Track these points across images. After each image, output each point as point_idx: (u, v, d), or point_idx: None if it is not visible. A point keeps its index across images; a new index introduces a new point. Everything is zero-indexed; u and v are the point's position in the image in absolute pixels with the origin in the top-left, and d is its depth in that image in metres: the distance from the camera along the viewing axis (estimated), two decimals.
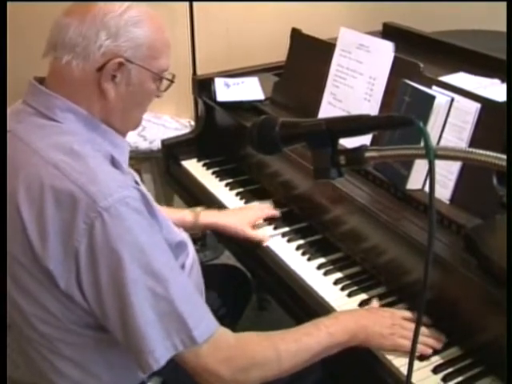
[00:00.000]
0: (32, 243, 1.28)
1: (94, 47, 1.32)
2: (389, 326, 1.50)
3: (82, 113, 1.37)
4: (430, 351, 1.47)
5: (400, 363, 1.45)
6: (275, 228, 1.96)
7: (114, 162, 1.37)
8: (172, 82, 1.46)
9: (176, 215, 1.91)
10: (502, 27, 2.18)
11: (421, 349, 1.46)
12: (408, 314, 1.55)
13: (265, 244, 1.90)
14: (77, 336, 1.38)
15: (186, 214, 1.94)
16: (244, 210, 2.04)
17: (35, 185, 1.28)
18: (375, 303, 1.62)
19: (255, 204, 2.09)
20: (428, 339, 1.48)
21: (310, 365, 1.45)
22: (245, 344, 1.39)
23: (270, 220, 2.00)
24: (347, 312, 1.57)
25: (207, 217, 1.96)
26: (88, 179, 1.26)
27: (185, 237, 1.62)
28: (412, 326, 1.48)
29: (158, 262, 1.28)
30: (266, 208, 2.04)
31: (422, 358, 1.46)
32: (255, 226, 1.96)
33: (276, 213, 2.02)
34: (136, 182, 1.49)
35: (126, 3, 1.36)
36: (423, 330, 1.49)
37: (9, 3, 1.73)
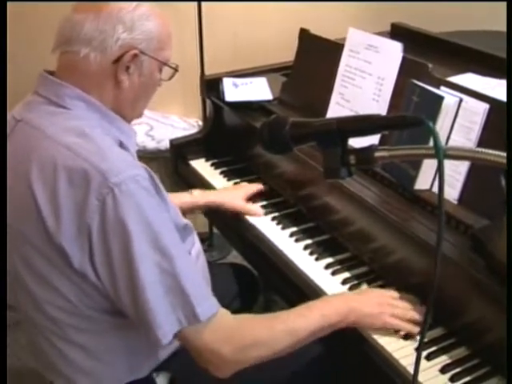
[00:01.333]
0: (46, 223, 1.31)
1: (111, 40, 1.39)
2: (377, 305, 1.55)
3: (92, 100, 1.42)
4: (417, 329, 1.51)
5: (407, 362, 1.45)
6: (283, 228, 1.97)
7: (122, 146, 1.43)
8: (176, 70, 1.54)
9: (174, 200, 1.94)
10: (502, 28, 2.18)
11: (408, 327, 1.52)
12: (396, 294, 1.61)
13: (258, 216, 2.03)
14: (93, 322, 1.41)
15: (184, 196, 2.03)
16: (235, 188, 2.19)
17: (48, 165, 1.32)
18: (365, 286, 1.69)
19: (244, 183, 2.22)
20: (416, 316, 1.54)
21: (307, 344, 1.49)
22: (244, 325, 1.43)
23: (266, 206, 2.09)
24: (338, 295, 1.64)
25: (204, 196, 2.08)
26: (100, 158, 1.30)
27: (190, 223, 1.65)
28: (401, 304, 1.57)
29: (165, 239, 1.32)
30: (254, 185, 2.16)
31: (408, 336, 1.51)
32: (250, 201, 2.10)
33: (263, 187, 2.16)
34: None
35: (135, 2, 1.43)
36: (410, 307, 1.56)
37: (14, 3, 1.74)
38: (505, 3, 2.08)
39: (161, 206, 1.37)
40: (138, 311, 1.32)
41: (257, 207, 2.07)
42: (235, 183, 2.25)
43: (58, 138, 1.34)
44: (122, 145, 1.43)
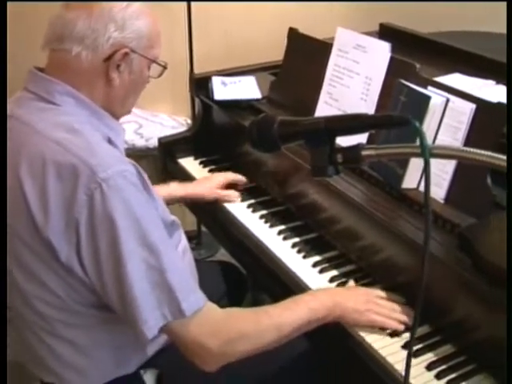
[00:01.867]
0: (34, 217, 1.33)
1: (103, 39, 1.40)
2: (364, 302, 1.57)
3: (82, 97, 1.43)
4: (402, 327, 1.53)
5: (394, 359, 1.46)
6: (271, 226, 1.97)
7: (111, 143, 1.45)
8: (165, 67, 1.56)
9: None
10: (502, 28, 2.20)
11: (393, 325, 1.54)
12: (382, 293, 1.62)
13: (235, 201, 2.10)
14: (81, 317, 1.42)
15: (160, 189, 2.00)
16: (210, 177, 2.21)
17: (37, 160, 1.33)
18: (351, 283, 1.70)
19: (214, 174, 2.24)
20: (401, 316, 1.55)
21: (294, 338, 1.50)
22: (232, 318, 1.45)
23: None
24: (324, 289, 1.64)
25: (179, 190, 2.09)
26: (89, 153, 1.32)
27: (177, 219, 1.66)
28: (386, 303, 1.58)
29: (153, 235, 1.33)
30: (232, 174, 2.19)
31: (394, 334, 1.53)
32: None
33: (241, 178, 2.18)
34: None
35: (125, 2, 1.44)
36: (395, 306, 1.57)
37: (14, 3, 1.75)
38: (502, 3, 2.10)
39: (149, 202, 1.39)
40: (124, 306, 1.33)
41: (231, 192, 2.12)
42: None
43: (47, 133, 1.36)
44: (110, 141, 1.44)
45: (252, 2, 3.27)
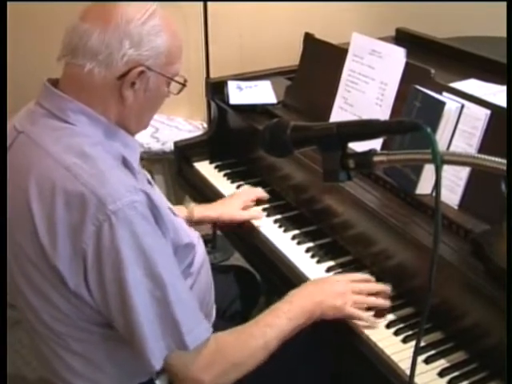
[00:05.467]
0: (42, 243, 1.31)
1: (117, 56, 1.34)
2: (340, 295, 1.57)
3: (95, 115, 1.39)
4: (378, 320, 1.58)
5: (405, 365, 1.46)
6: (285, 231, 1.98)
7: (125, 163, 1.40)
8: (184, 85, 1.48)
9: None
10: None
11: (369, 318, 1.57)
12: (357, 276, 1.66)
13: (259, 219, 2.02)
14: (86, 333, 1.41)
15: (181, 210, 1.97)
16: (232, 197, 2.10)
17: (47, 186, 1.31)
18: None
19: (245, 188, 2.16)
20: (378, 300, 1.60)
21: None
22: (223, 348, 1.43)
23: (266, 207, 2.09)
24: (300, 291, 1.60)
25: (200, 211, 2.01)
26: (98, 182, 1.29)
27: (195, 237, 1.64)
28: (362, 285, 1.60)
29: (159, 267, 1.32)
30: (254, 191, 2.11)
31: (379, 315, 1.58)
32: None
33: (264, 194, 2.12)
34: (148, 182, 1.53)
35: (147, 13, 1.37)
36: (371, 287, 1.62)
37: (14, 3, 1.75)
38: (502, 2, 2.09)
39: (157, 232, 1.35)
40: (130, 334, 1.34)
41: (255, 211, 2.06)
42: (239, 186, 2.26)
43: (58, 157, 1.32)
44: (124, 160, 1.40)
45: (267, 1, 3.27)
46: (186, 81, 1.49)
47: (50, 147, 1.34)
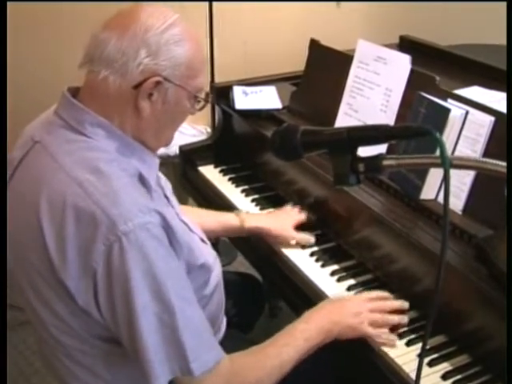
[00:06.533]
0: (51, 257, 1.29)
1: (132, 64, 1.30)
2: (357, 314, 1.56)
3: (113, 129, 1.35)
4: (393, 337, 1.56)
5: (409, 369, 1.47)
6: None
7: (141, 179, 1.36)
8: (207, 101, 1.44)
9: (219, 218, 1.93)
10: None
11: (384, 336, 1.55)
12: (374, 294, 1.65)
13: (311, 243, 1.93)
14: (98, 348, 1.39)
15: (232, 218, 1.94)
16: (283, 214, 2.01)
17: (58, 201, 1.28)
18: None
19: (287, 207, 2.05)
20: (393, 317, 1.58)
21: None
22: (239, 369, 1.41)
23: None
24: (317, 311, 1.59)
25: (252, 221, 1.95)
26: (110, 201, 1.25)
27: (211, 257, 1.59)
28: (377, 303, 1.60)
29: (169, 291, 1.28)
30: (299, 215, 2.01)
31: (394, 330, 1.57)
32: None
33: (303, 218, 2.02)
34: (166, 197, 1.50)
35: (167, 22, 1.33)
36: (386, 305, 1.61)
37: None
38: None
39: (171, 253, 1.32)
40: (136, 355, 1.31)
41: (306, 234, 1.94)
42: (243, 190, 2.27)
43: (71, 172, 1.29)
44: (141, 177, 1.35)
45: (272, 1, 3.28)
46: (207, 96, 1.45)
47: (64, 160, 1.31)
